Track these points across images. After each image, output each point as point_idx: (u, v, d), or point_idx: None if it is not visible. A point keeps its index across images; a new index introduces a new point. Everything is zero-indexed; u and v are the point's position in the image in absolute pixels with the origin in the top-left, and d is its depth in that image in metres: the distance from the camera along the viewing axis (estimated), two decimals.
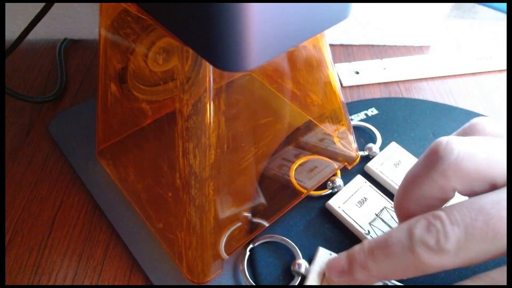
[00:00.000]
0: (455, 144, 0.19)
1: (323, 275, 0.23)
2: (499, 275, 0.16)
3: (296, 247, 0.25)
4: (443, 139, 0.19)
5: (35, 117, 0.35)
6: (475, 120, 0.21)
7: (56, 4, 0.38)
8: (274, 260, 0.25)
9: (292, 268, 0.24)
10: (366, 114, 0.34)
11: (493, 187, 0.18)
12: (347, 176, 0.29)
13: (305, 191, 0.28)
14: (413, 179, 0.20)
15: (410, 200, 0.20)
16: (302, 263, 0.24)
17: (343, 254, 0.21)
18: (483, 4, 0.50)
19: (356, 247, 0.21)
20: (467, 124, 0.21)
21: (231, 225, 0.26)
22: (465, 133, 0.21)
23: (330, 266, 0.22)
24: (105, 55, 0.25)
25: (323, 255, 0.24)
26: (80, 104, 0.35)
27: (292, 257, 0.25)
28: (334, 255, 0.24)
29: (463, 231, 0.17)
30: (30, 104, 0.36)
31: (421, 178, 0.20)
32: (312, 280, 0.23)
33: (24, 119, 0.34)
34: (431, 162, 0.19)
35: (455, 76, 0.39)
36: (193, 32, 0.16)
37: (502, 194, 0.17)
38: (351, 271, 0.20)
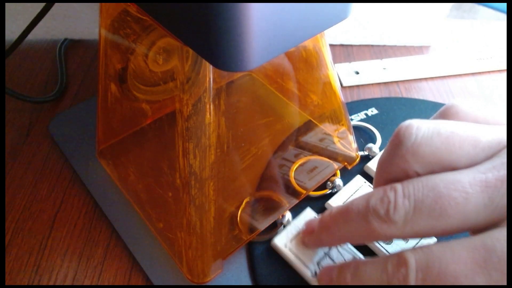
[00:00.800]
0: (414, 128, 0.19)
1: (299, 231, 0.25)
2: (438, 248, 0.17)
3: (284, 197, 0.27)
4: (405, 123, 0.20)
5: (35, 117, 0.35)
6: (450, 103, 0.21)
7: (56, 4, 0.38)
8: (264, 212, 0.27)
9: (277, 219, 0.26)
10: (366, 114, 0.34)
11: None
12: (347, 176, 0.29)
13: (304, 191, 0.28)
14: (381, 163, 0.21)
15: (383, 183, 0.20)
16: (287, 215, 0.26)
17: (317, 218, 0.23)
18: (483, 4, 0.50)
19: (327, 211, 0.22)
20: (442, 108, 0.22)
21: (231, 225, 0.26)
22: (440, 117, 0.21)
23: (305, 226, 0.24)
24: (105, 55, 0.25)
25: (308, 215, 0.26)
26: (80, 104, 0.35)
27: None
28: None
29: (412, 205, 0.18)
30: (30, 104, 0.36)
31: (387, 161, 0.20)
32: (289, 232, 0.25)
33: (24, 119, 0.35)
34: (394, 146, 0.20)
35: (455, 76, 0.39)
36: (193, 32, 0.16)
37: (458, 175, 0.18)
38: (318, 232, 0.22)
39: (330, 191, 0.28)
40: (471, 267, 0.16)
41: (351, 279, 0.19)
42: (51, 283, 0.25)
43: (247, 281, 0.24)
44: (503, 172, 0.17)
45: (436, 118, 0.22)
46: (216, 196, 0.23)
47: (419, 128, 0.19)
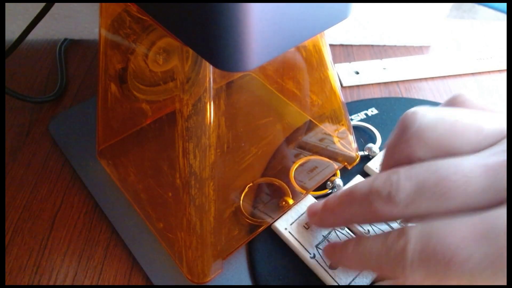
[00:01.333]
0: (419, 114, 0.20)
1: (300, 215, 0.26)
2: (438, 223, 0.17)
3: (287, 186, 0.28)
4: (411, 110, 0.20)
5: (35, 117, 0.35)
6: (457, 93, 0.22)
7: (56, 4, 0.38)
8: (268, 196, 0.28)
9: (278, 204, 0.27)
10: (366, 114, 0.34)
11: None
12: (346, 176, 0.29)
13: (304, 191, 0.28)
14: (387, 149, 0.21)
15: (388, 169, 0.21)
16: (289, 201, 0.27)
17: (322, 200, 0.24)
18: (483, 4, 0.50)
19: (331, 195, 0.23)
20: (450, 97, 0.22)
21: (231, 225, 0.26)
22: (447, 106, 0.22)
23: (309, 207, 0.25)
24: (105, 55, 0.25)
25: (309, 201, 0.27)
26: (80, 104, 0.35)
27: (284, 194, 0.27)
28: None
29: (414, 186, 0.18)
30: (30, 104, 0.36)
31: (393, 147, 0.21)
32: (290, 216, 0.26)
33: (24, 119, 0.35)
34: (399, 132, 0.20)
35: (455, 76, 0.39)
36: (193, 32, 0.16)
37: (460, 160, 0.18)
38: (322, 213, 0.23)
39: (330, 191, 0.28)
40: (468, 240, 0.16)
41: (352, 250, 0.20)
42: (51, 283, 0.25)
43: (247, 281, 0.24)
44: (503, 158, 0.17)
45: (443, 106, 0.22)
46: (216, 196, 0.23)
47: (424, 114, 0.19)
